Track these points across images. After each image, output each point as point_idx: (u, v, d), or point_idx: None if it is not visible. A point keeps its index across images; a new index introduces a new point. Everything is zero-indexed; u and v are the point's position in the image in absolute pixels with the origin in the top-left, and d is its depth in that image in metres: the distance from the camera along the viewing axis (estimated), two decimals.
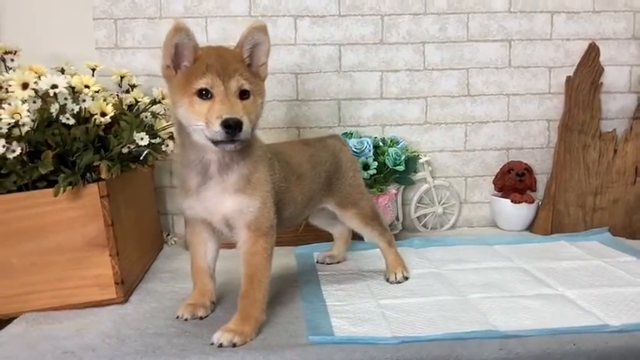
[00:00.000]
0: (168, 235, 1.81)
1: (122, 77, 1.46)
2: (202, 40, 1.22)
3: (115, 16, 1.79)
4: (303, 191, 1.27)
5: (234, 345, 1.04)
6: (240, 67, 1.08)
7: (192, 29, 1.07)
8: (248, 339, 1.07)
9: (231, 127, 1.01)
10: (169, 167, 1.83)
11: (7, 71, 1.26)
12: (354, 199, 1.38)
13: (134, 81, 1.49)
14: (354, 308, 1.23)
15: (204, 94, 1.05)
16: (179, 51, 1.07)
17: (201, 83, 1.04)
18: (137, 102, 1.40)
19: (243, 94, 1.07)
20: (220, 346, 1.04)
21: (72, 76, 1.22)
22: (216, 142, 1.04)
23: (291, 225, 1.39)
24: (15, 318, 1.21)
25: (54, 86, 1.12)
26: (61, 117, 1.14)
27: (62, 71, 1.41)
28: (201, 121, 1.04)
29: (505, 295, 1.29)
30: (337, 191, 1.37)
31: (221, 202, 1.12)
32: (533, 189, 1.88)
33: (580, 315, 1.17)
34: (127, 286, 1.29)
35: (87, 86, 1.17)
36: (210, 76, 1.04)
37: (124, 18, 1.79)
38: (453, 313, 1.19)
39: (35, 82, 1.10)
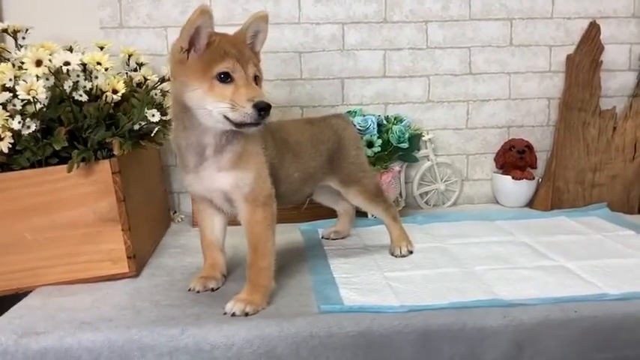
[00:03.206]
0: (175, 212, 1.83)
1: (130, 56, 1.48)
2: None
3: None
4: (300, 168, 1.30)
5: (247, 314, 1.07)
6: (251, 54, 1.13)
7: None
8: (260, 308, 1.10)
9: (264, 109, 1.05)
10: None
11: (18, 49, 1.28)
12: (356, 177, 1.41)
13: (142, 59, 1.50)
14: (361, 280, 1.26)
15: (223, 77, 1.07)
16: (196, 34, 1.07)
17: (223, 67, 1.06)
18: (146, 80, 1.41)
19: (256, 81, 1.11)
20: (233, 315, 1.07)
21: (82, 54, 1.24)
22: (240, 125, 1.06)
23: (291, 201, 1.41)
24: (29, 292, 1.24)
25: (66, 63, 1.14)
26: (74, 94, 1.16)
27: (70, 50, 1.42)
28: (224, 104, 1.06)
29: (508, 266, 1.33)
30: (340, 169, 1.39)
31: (218, 180, 1.15)
32: (534, 166, 1.91)
33: (581, 284, 1.21)
34: (138, 261, 1.32)
35: (99, 63, 1.19)
36: (230, 60, 1.07)
37: None
38: (458, 284, 1.22)
39: (49, 60, 1.12)
